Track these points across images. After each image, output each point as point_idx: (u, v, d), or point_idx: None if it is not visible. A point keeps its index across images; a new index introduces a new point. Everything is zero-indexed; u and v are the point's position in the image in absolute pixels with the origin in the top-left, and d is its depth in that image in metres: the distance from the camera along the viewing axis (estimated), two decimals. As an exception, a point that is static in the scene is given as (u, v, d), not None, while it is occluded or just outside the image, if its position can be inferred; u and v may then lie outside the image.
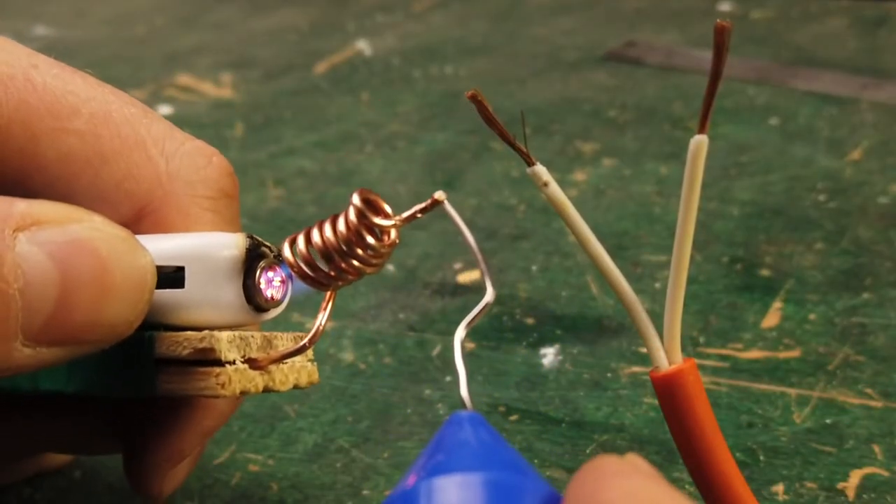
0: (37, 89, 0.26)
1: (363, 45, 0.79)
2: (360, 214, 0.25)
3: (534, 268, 0.47)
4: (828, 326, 0.41)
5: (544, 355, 0.40)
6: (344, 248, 0.25)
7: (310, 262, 0.25)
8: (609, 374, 0.39)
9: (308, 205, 0.54)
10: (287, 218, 0.53)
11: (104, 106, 0.27)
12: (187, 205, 0.27)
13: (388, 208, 0.25)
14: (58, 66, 0.27)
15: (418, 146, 0.60)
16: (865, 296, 0.43)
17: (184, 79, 0.73)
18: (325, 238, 0.25)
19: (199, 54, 0.79)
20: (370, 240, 0.25)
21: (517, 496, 0.18)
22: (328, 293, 0.26)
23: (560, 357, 0.40)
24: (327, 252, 0.25)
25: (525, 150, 0.26)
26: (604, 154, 0.58)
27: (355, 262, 0.25)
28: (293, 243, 0.25)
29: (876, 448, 0.34)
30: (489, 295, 0.23)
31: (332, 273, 0.25)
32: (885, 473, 0.33)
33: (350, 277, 0.25)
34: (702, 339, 0.41)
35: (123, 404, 0.31)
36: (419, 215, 0.25)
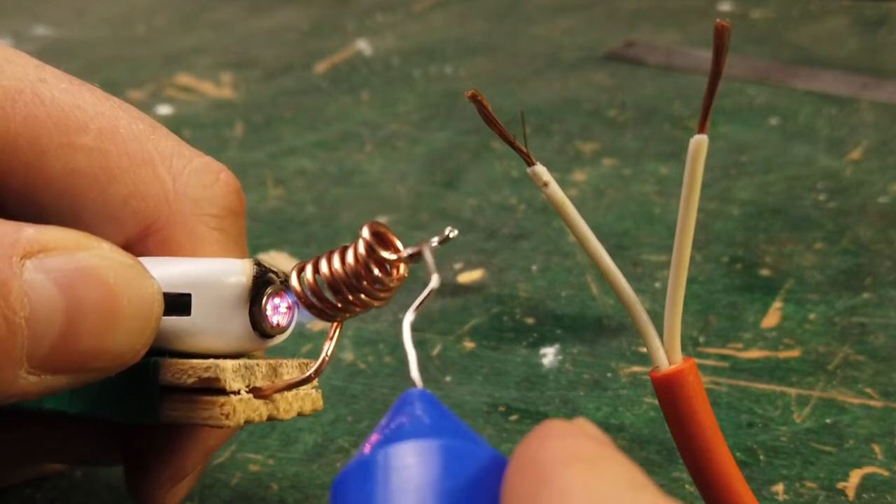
0: (45, 104, 0.26)
1: (363, 45, 0.79)
2: (370, 248, 0.24)
3: (534, 268, 0.47)
4: (828, 326, 0.41)
5: (544, 355, 0.40)
6: (352, 280, 0.24)
7: (317, 293, 0.25)
8: (609, 374, 0.39)
9: (308, 205, 0.54)
10: (287, 218, 0.53)
11: (112, 122, 0.27)
12: (194, 223, 0.27)
13: (397, 242, 0.25)
14: (66, 79, 0.27)
15: (418, 146, 0.60)
16: (865, 296, 0.43)
17: (184, 79, 0.73)
18: (332, 269, 0.25)
19: (199, 54, 0.79)
20: (378, 273, 0.24)
21: (468, 458, 0.19)
22: (334, 323, 0.26)
23: (560, 357, 0.40)
24: (335, 283, 0.25)
25: (525, 149, 0.26)
26: (604, 154, 0.58)
27: (362, 296, 0.25)
28: (301, 272, 0.25)
29: (876, 448, 0.34)
30: (434, 281, 0.23)
31: (339, 304, 0.25)
32: (885, 473, 0.33)
33: (357, 310, 0.25)
34: (702, 339, 0.41)
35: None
36: (429, 251, 0.24)
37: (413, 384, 0.22)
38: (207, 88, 0.72)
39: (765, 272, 0.45)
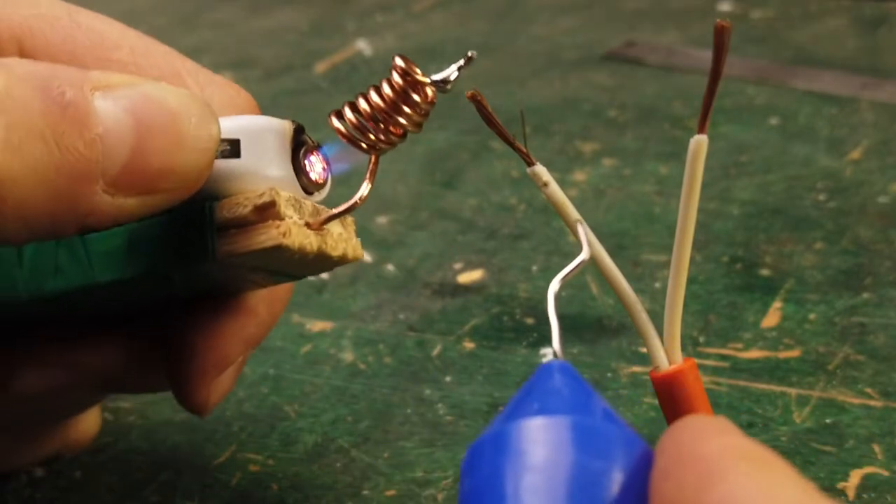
0: (81, 27, 0.29)
1: (363, 45, 0.79)
2: (404, 73, 0.26)
3: (534, 268, 0.47)
4: (828, 326, 0.41)
5: (544, 355, 0.40)
6: (391, 109, 0.26)
7: (358, 127, 0.27)
8: (609, 374, 0.39)
9: (308, 205, 0.54)
10: (287, 218, 0.53)
11: (142, 41, 0.30)
12: None
13: (419, 71, 0.27)
14: (96, 14, 0.30)
15: (418, 146, 0.60)
16: (865, 295, 0.43)
17: (184, 79, 0.73)
18: (371, 102, 0.26)
19: (199, 54, 0.79)
20: (416, 97, 0.26)
21: (604, 441, 0.18)
22: (372, 159, 0.28)
23: (560, 357, 0.40)
24: (375, 115, 0.26)
25: (525, 149, 0.26)
26: (604, 154, 0.58)
27: (402, 121, 0.26)
28: (339, 116, 0.27)
29: (876, 448, 0.34)
30: (585, 253, 0.25)
31: (382, 136, 0.27)
32: (885, 473, 0.33)
33: (394, 139, 0.27)
34: (702, 339, 0.41)
35: (172, 308, 0.31)
36: (457, 72, 0.27)
37: (555, 355, 0.22)
38: (207, 88, 0.72)
39: (765, 272, 0.45)
